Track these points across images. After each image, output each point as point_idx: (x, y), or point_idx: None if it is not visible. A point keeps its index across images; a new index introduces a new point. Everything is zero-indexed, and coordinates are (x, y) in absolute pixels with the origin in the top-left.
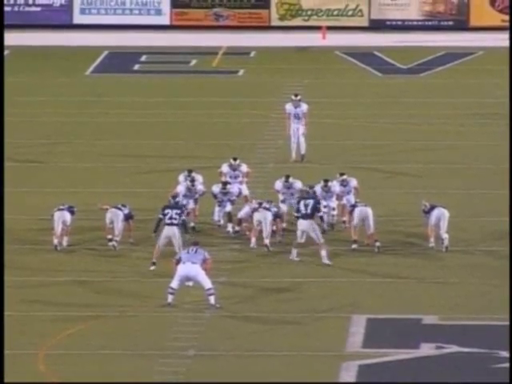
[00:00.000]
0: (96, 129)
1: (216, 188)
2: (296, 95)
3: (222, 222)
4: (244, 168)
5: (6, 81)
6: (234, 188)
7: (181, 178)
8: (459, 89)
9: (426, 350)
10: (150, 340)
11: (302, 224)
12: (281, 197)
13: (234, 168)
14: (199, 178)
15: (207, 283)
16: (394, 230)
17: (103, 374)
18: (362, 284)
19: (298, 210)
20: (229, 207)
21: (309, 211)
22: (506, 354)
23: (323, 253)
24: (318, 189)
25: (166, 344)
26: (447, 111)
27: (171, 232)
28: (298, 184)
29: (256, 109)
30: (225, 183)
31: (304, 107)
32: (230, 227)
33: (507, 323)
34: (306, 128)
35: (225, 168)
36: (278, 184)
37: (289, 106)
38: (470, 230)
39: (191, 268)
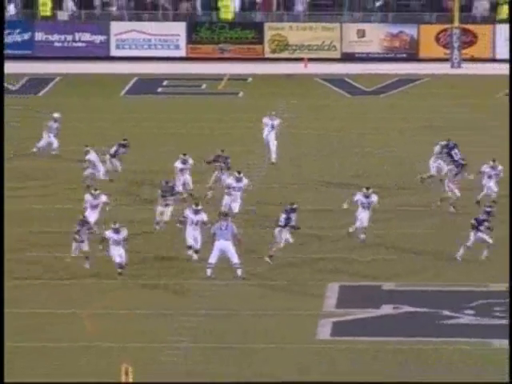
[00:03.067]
0: (130, 137)
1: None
2: (271, 113)
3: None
4: (190, 161)
5: (56, 101)
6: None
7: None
8: (410, 107)
9: (386, 309)
10: (174, 303)
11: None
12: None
13: (184, 161)
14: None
15: (235, 258)
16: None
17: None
18: (336, 258)
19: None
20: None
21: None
22: (448, 312)
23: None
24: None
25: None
26: (401, 125)
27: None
28: (246, 181)
29: (253, 122)
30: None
31: (277, 121)
32: None
33: (452, 288)
34: (276, 137)
35: (178, 164)
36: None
37: (266, 119)
38: (438, 213)
39: (225, 245)
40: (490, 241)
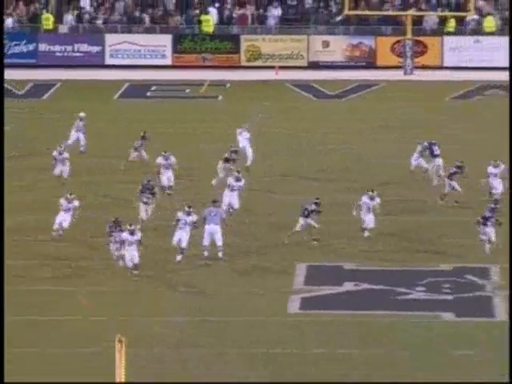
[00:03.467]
0: (122, 136)
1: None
2: (245, 125)
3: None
4: (173, 159)
5: (57, 105)
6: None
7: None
8: (368, 109)
9: (347, 286)
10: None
11: None
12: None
13: (166, 158)
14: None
15: (220, 241)
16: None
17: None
18: (304, 242)
19: None
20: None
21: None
22: (402, 289)
23: None
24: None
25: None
26: (360, 125)
27: None
28: (244, 180)
29: (230, 123)
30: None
31: (247, 134)
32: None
33: (405, 268)
34: (251, 145)
35: (160, 160)
36: None
37: (240, 130)
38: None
39: (214, 229)
40: (494, 238)
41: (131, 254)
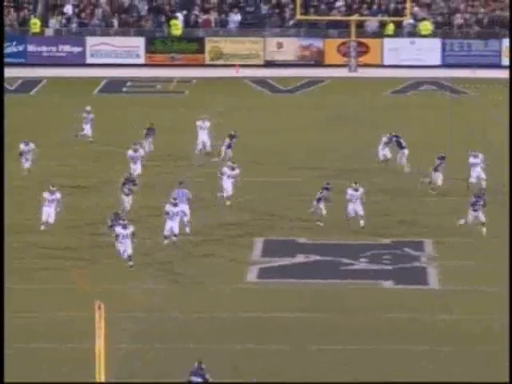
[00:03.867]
0: (102, 126)
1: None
2: (204, 118)
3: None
4: (142, 151)
5: (44, 99)
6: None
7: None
8: (318, 102)
9: (299, 258)
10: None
11: None
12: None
13: (135, 150)
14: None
15: (187, 217)
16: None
17: None
18: (262, 219)
19: None
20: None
21: None
22: (347, 260)
23: None
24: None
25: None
26: (310, 116)
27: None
28: (238, 171)
29: (196, 115)
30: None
31: (207, 123)
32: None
33: (350, 242)
34: (209, 136)
35: (130, 152)
36: None
37: (198, 122)
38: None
39: (183, 207)
40: (483, 219)
41: (125, 246)
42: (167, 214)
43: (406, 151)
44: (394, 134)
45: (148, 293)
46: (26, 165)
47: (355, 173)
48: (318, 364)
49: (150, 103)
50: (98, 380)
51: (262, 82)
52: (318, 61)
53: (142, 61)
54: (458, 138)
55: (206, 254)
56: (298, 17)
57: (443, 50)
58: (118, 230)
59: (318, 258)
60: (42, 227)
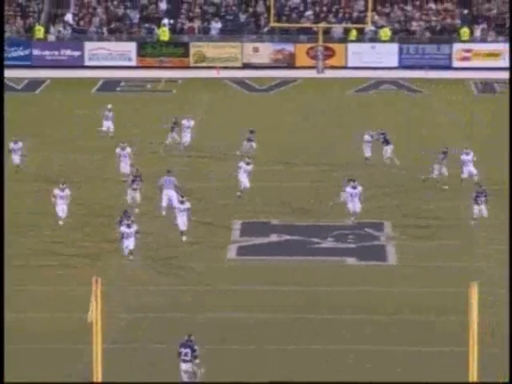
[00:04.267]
0: (98, 121)
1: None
2: (188, 116)
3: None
4: (128, 149)
5: (47, 97)
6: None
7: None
8: (290, 100)
9: (273, 238)
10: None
11: None
12: None
13: (123, 148)
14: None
15: (175, 202)
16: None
17: None
18: (241, 203)
19: None
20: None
21: None
22: (315, 240)
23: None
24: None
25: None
26: (284, 112)
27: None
28: (252, 166)
29: (181, 112)
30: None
31: (192, 122)
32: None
33: (318, 223)
34: (192, 135)
35: (118, 150)
36: None
37: (183, 121)
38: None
39: (170, 193)
40: (486, 213)
41: (128, 243)
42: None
43: (391, 146)
44: (380, 130)
45: (141, 272)
46: (17, 161)
47: (320, 158)
48: (292, 330)
49: (141, 101)
50: (95, 379)
51: (240, 82)
52: (290, 63)
53: (134, 63)
54: (414, 133)
55: (187, 232)
56: (272, 24)
57: (400, 53)
58: (123, 229)
59: (289, 237)
60: (61, 222)
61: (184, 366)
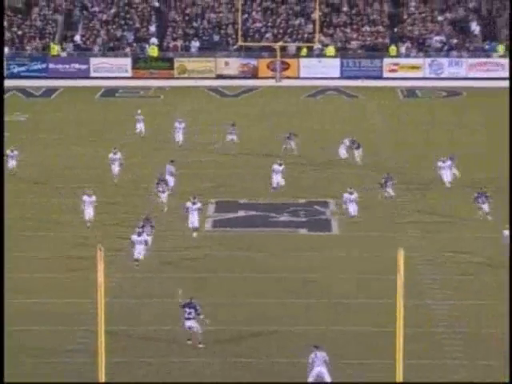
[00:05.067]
0: (100, 122)
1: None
2: (180, 119)
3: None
4: (119, 154)
5: (60, 101)
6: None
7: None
8: (253, 104)
9: (240, 213)
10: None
11: None
12: None
13: (115, 153)
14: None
15: (170, 185)
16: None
17: None
18: (215, 186)
19: None
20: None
21: None
22: (274, 215)
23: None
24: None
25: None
26: (246, 114)
27: None
28: (283, 166)
29: (168, 113)
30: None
31: (183, 124)
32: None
33: (276, 201)
34: (184, 134)
35: (111, 155)
36: None
37: (176, 123)
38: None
39: (169, 178)
40: (487, 210)
41: (138, 250)
42: (187, 209)
43: (361, 150)
44: (352, 138)
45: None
46: (13, 165)
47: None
48: (254, 285)
49: (135, 105)
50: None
51: (214, 89)
52: (254, 74)
53: (129, 75)
54: (352, 130)
55: (171, 210)
56: (239, 43)
57: (341, 66)
58: (134, 237)
59: (253, 213)
60: (88, 224)
61: (188, 323)
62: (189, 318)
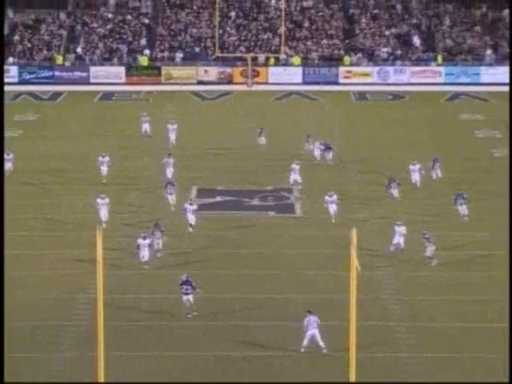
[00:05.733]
0: (100, 123)
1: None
2: (172, 121)
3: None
4: (107, 158)
5: (65, 104)
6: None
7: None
8: (229, 107)
9: (218, 199)
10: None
11: None
12: None
13: (103, 156)
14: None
15: (170, 174)
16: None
17: None
18: (198, 177)
19: None
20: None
21: None
22: (246, 199)
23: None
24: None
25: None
26: (224, 116)
27: None
28: (299, 165)
29: (157, 115)
30: None
31: (175, 125)
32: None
33: (248, 188)
34: (177, 134)
35: (100, 158)
36: None
37: (168, 125)
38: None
39: (168, 170)
40: (466, 212)
41: (143, 254)
42: (184, 210)
43: (331, 153)
44: (324, 142)
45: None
46: (9, 167)
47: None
48: (236, 260)
49: (128, 107)
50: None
51: (196, 93)
52: (229, 80)
53: (123, 81)
54: (313, 127)
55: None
56: (217, 54)
57: (304, 73)
58: (139, 241)
59: (229, 198)
60: (104, 225)
61: (185, 297)
62: (187, 293)
